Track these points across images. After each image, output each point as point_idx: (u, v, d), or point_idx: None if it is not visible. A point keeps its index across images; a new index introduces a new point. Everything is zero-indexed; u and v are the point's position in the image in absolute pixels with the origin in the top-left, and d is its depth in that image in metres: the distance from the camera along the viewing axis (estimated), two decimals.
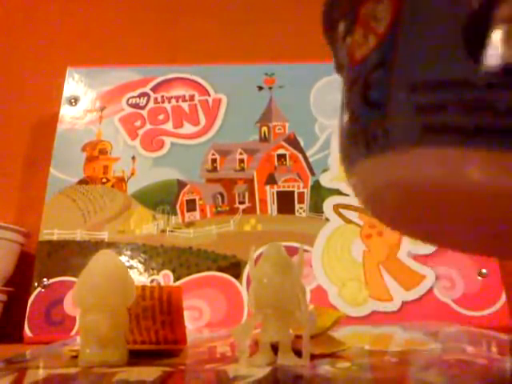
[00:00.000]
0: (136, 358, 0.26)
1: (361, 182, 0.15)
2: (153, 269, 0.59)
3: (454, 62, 0.12)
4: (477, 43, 0.12)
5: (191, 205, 0.64)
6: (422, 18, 0.13)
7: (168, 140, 0.68)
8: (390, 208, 0.16)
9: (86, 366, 0.25)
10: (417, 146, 0.12)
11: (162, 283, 0.58)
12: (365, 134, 0.14)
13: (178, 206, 0.64)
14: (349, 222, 0.62)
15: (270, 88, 0.70)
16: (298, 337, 0.24)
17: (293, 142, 0.67)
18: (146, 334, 0.29)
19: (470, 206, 0.13)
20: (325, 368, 0.23)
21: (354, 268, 0.59)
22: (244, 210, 0.63)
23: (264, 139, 0.67)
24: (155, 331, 0.29)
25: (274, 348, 0.24)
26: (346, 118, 0.15)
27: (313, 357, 0.24)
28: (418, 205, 0.14)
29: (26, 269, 0.62)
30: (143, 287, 0.29)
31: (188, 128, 0.68)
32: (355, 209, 0.62)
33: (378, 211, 0.16)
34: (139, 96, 0.70)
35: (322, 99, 0.69)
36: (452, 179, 0.12)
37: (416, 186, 0.13)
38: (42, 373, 0.26)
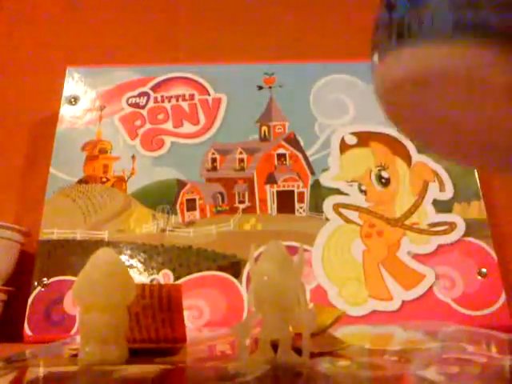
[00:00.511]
0: (136, 356, 0.26)
1: (388, 71, 0.16)
2: (153, 268, 0.59)
3: None
4: None
5: (191, 204, 0.64)
6: None
7: (168, 139, 0.68)
8: (405, 103, 0.16)
9: (85, 363, 0.25)
10: (448, 40, 0.13)
11: (162, 282, 0.58)
12: (401, 25, 0.14)
13: (177, 206, 0.64)
14: (349, 221, 0.62)
15: (270, 87, 0.70)
16: (298, 335, 0.24)
17: (293, 141, 0.67)
18: (146, 332, 0.29)
19: (482, 99, 0.14)
20: (325, 366, 0.23)
21: (354, 267, 0.59)
22: (244, 210, 0.63)
23: (264, 139, 0.67)
24: (155, 329, 0.29)
25: (274, 346, 0.24)
26: (383, 8, 0.16)
27: (313, 355, 0.24)
28: (432, 99, 0.15)
29: (25, 268, 0.62)
30: (143, 286, 0.29)
31: (188, 127, 0.68)
32: (355, 208, 0.62)
33: (392, 105, 0.17)
34: (139, 95, 0.70)
35: (322, 99, 0.69)
36: (476, 72, 0.13)
37: (439, 76, 0.14)
38: (42, 371, 0.26)
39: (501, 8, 0.12)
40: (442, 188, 0.63)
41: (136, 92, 0.70)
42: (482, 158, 0.18)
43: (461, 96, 0.15)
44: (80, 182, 0.65)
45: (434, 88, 0.15)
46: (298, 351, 0.24)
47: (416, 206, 0.62)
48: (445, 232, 0.60)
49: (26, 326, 0.56)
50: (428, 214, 0.61)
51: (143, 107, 0.69)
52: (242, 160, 0.66)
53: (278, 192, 0.64)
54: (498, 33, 0.12)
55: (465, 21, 0.12)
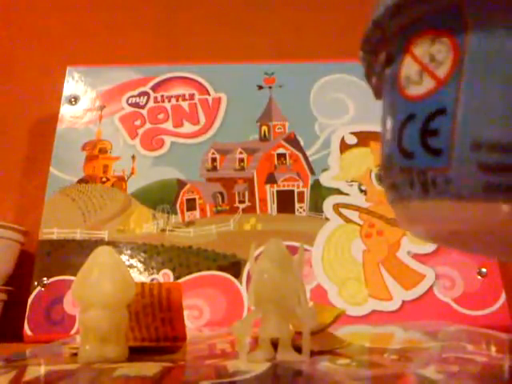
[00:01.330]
0: (136, 354, 0.26)
1: (413, 216, 0.16)
2: (153, 268, 0.59)
3: None
4: None
5: (191, 204, 0.64)
6: (485, 73, 0.13)
7: (168, 139, 0.68)
8: (438, 241, 0.18)
9: (85, 362, 0.25)
10: (478, 200, 0.13)
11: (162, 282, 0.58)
12: (423, 176, 0.14)
13: (177, 206, 0.64)
14: (349, 221, 0.62)
15: (270, 87, 0.70)
16: (298, 333, 0.24)
17: (293, 141, 0.67)
18: (146, 331, 0.29)
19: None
20: (324, 364, 0.23)
21: (354, 267, 0.59)
22: (244, 210, 0.63)
23: (264, 138, 0.67)
24: (155, 328, 0.29)
25: (274, 344, 0.24)
26: (396, 147, 0.16)
27: (312, 353, 0.24)
28: (462, 242, 0.16)
29: (25, 268, 0.62)
30: (143, 284, 0.29)
31: (188, 127, 0.68)
32: (355, 208, 0.62)
33: (424, 238, 0.18)
34: (139, 95, 0.70)
35: (322, 98, 0.69)
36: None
37: (471, 230, 0.15)
38: (41, 369, 0.26)
39: None
40: None
41: (136, 92, 0.70)
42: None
43: (494, 242, 0.15)
44: (80, 181, 0.65)
45: (465, 236, 0.15)
46: (298, 350, 0.24)
47: None
48: None
49: (25, 325, 0.56)
50: None
51: (143, 107, 0.69)
52: (242, 160, 0.66)
53: (277, 192, 0.64)
54: None
55: (496, 183, 0.13)
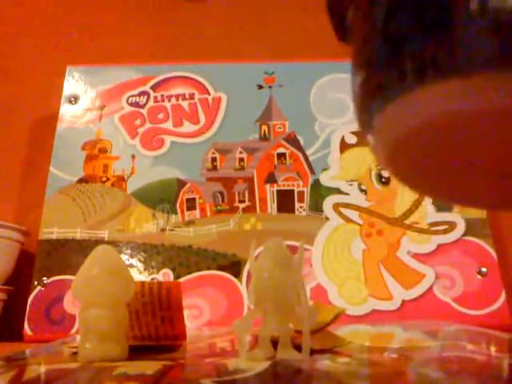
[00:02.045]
0: (136, 353, 0.26)
1: (402, 119, 0.13)
2: (153, 267, 0.59)
3: None
4: None
5: (191, 203, 0.64)
6: None
7: (168, 139, 0.68)
8: (418, 155, 0.14)
9: (86, 360, 0.25)
10: (493, 72, 0.11)
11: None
12: (419, 59, 0.12)
13: (177, 205, 0.64)
14: (349, 220, 0.62)
15: (270, 87, 0.70)
16: (298, 332, 0.24)
17: (293, 140, 0.67)
18: (146, 329, 0.29)
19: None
20: (324, 363, 0.23)
21: (354, 267, 0.59)
22: (244, 209, 0.63)
23: (264, 138, 0.67)
24: (155, 327, 0.29)
25: (274, 343, 0.24)
26: (381, 39, 0.13)
27: (312, 352, 0.24)
28: (449, 148, 0.14)
29: (25, 267, 0.62)
30: (142, 283, 0.29)
31: (188, 127, 0.68)
32: (355, 208, 0.62)
33: (401, 162, 0.15)
34: (139, 95, 0.70)
35: (322, 98, 0.69)
36: None
37: (489, 112, 0.12)
38: (42, 368, 0.26)
39: None
40: None
41: (136, 91, 0.70)
42: (495, 196, 0.16)
43: (502, 131, 0.13)
44: (80, 181, 0.65)
45: (472, 128, 0.13)
46: (298, 348, 0.24)
47: (416, 206, 0.62)
48: (445, 231, 0.60)
49: (25, 325, 0.56)
50: (428, 214, 0.61)
51: (143, 106, 0.69)
52: (241, 159, 0.66)
53: (277, 191, 0.64)
54: None
55: None
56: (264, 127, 0.68)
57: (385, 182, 0.63)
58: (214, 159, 0.66)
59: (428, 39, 0.12)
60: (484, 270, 0.58)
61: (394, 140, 0.14)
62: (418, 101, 0.13)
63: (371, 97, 0.14)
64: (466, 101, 0.12)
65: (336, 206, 0.62)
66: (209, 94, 0.70)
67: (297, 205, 0.63)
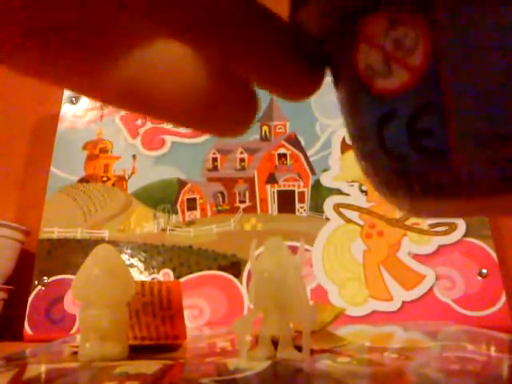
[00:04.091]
0: (136, 352, 0.26)
1: (413, 211, 0.15)
2: (153, 267, 0.59)
3: None
4: None
5: (192, 204, 0.64)
6: (469, 53, 0.11)
7: (169, 139, 0.68)
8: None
9: (86, 360, 0.25)
10: (494, 195, 0.12)
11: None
12: (423, 179, 0.13)
13: (178, 205, 0.64)
14: (349, 221, 0.62)
15: None
16: (298, 332, 0.24)
17: (293, 141, 0.67)
18: (146, 329, 0.29)
19: None
20: (325, 363, 0.23)
21: (354, 268, 0.59)
22: (244, 209, 0.63)
23: (265, 138, 0.67)
24: (155, 327, 0.29)
25: (274, 343, 0.24)
26: (379, 148, 0.13)
27: (313, 352, 0.24)
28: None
29: (26, 267, 0.62)
30: (143, 283, 0.29)
31: None
32: (356, 208, 0.62)
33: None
34: None
35: (323, 99, 0.69)
36: None
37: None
38: (42, 368, 0.26)
39: None
40: None
41: None
42: None
43: None
44: (81, 181, 0.65)
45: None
46: (299, 348, 0.24)
47: None
48: (445, 232, 0.60)
49: (26, 324, 0.56)
50: None
51: None
52: (242, 160, 0.66)
53: (278, 192, 0.64)
54: None
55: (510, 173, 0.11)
56: (265, 128, 0.68)
57: None
58: (214, 159, 0.66)
59: (430, 165, 0.12)
60: (484, 271, 0.58)
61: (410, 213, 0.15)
62: (427, 206, 0.14)
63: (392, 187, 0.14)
64: (468, 214, 0.14)
65: (336, 207, 0.62)
66: None
67: (297, 205, 0.63)
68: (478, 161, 0.11)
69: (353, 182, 0.63)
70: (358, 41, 0.13)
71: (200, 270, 0.59)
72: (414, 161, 0.13)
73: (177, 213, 0.63)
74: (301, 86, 0.16)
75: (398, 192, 0.14)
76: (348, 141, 0.66)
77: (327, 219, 0.62)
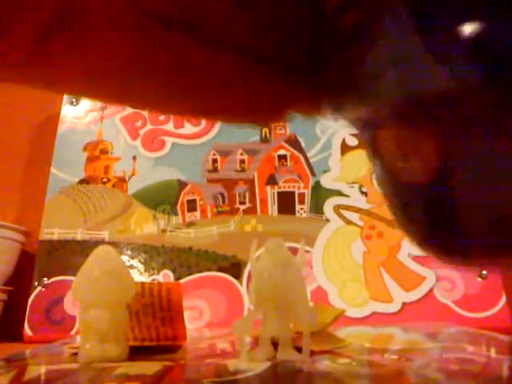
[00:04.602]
0: (136, 354, 0.26)
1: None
2: (153, 269, 0.59)
3: None
4: None
5: (192, 205, 0.64)
6: (476, 158, 0.12)
7: (169, 140, 0.68)
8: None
9: (86, 361, 0.25)
10: (496, 259, 0.14)
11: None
12: (443, 247, 0.15)
13: (178, 206, 0.64)
14: (349, 223, 0.62)
15: None
16: (298, 333, 0.24)
17: (294, 142, 0.67)
18: (146, 331, 0.29)
19: None
20: (325, 364, 0.23)
21: (355, 269, 0.59)
22: (244, 211, 0.63)
23: (265, 140, 0.67)
24: (155, 328, 0.29)
25: (274, 344, 0.24)
26: (413, 223, 0.16)
27: (313, 353, 0.24)
28: None
29: (26, 268, 0.62)
30: (142, 284, 0.29)
31: (189, 128, 0.68)
32: (356, 210, 0.62)
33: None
34: None
35: None
36: None
37: None
38: (42, 369, 0.26)
39: None
40: None
41: None
42: None
43: None
44: (81, 182, 0.65)
45: None
46: (299, 349, 0.24)
47: None
48: None
49: (26, 325, 0.56)
50: None
51: None
52: (242, 161, 0.66)
53: (278, 193, 0.64)
54: None
55: None
56: (265, 129, 0.68)
57: None
58: (214, 161, 0.66)
59: (447, 238, 0.15)
60: (484, 272, 0.58)
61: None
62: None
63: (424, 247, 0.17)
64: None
65: (337, 208, 0.62)
66: None
67: (297, 206, 0.63)
68: (489, 241, 0.13)
69: (353, 183, 0.63)
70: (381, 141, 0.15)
71: (200, 272, 0.59)
72: (435, 236, 0.15)
73: (177, 214, 0.63)
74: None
75: (428, 248, 0.16)
76: (348, 142, 0.66)
77: (327, 220, 0.62)
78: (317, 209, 0.63)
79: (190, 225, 0.63)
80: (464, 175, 0.13)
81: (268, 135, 0.67)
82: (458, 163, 0.13)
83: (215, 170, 0.66)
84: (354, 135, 0.66)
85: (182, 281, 0.58)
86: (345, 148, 0.66)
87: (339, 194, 0.63)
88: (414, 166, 0.14)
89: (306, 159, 0.66)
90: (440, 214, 0.14)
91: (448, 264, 0.17)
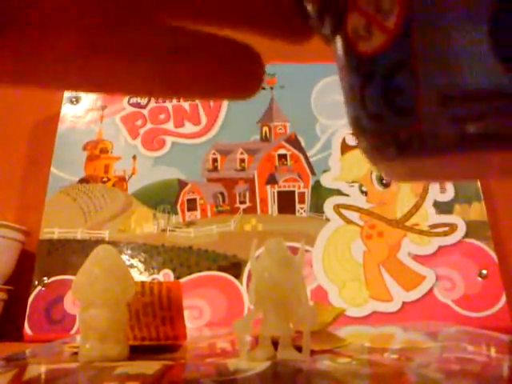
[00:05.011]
0: (136, 353, 0.26)
1: (389, 173, 0.16)
2: (153, 268, 0.59)
3: (485, 71, 0.12)
4: (507, 47, 0.11)
5: (192, 204, 0.64)
6: (439, 17, 0.12)
7: (169, 139, 0.68)
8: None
9: (86, 360, 0.25)
10: (455, 152, 0.13)
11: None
12: (396, 137, 0.14)
13: (178, 206, 0.64)
14: (349, 222, 0.62)
15: (272, 88, 0.70)
16: (299, 333, 0.24)
17: (294, 142, 0.67)
18: (146, 330, 0.29)
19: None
20: (325, 363, 0.23)
21: (355, 268, 0.59)
22: (245, 210, 0.63)
23: (265, 139, 0.67)
24: (155, 327, 0.29)
25: (275, 343, 0.24)
26: (361, 110, 0.15)
27: (313, 352, 0.24)
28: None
29: (26, 267, 0.62)
30: (143, 283, 0.29)
31: (189, 127, 0.68)
32: (356, 209, 0.62)
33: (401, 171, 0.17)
34: None
35: (323, 99, 0.69)
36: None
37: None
38: (42, 368, 0.26)
39: (507, 117, 0.12)
40: (442, 189, 0.63)
41: None
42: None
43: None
44: (81, 181, 0.65)
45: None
46: (299, 349, 0.24)
47: (417, 207, 0.62)
48: (445, 233, 0.60)
49: (26, 325, 0.56)
50: (429, 215, 0.61)
51: (144, 107, 0.69)
52: (242, 160, 0.66)
53: (278, 192, 0.64)
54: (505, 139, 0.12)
55: (473, 134, 0.12)
56: (265, 128, 0.68)
57: (385, 184, 0.63)
58: (214, 160, 0.66)
59: (401, 123, 0.13)
60: (484, 272, 0.58)
61: (387, 176, 0.16)
62: (405, 167, 0.15)
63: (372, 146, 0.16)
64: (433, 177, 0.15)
65: (337, 208, 0.62)
66: None
67: (297, 206, 0.63)
68: (441, 118, 0.12)
69: (353, 182, 0.63)
70: (350, 11, 0.14)
71: (200, 271, 0.59)
72: (388, 120, 0.14)
73: (177, 213, 0.63)
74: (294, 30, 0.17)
75: (378, 153, 0.15)
76: (348, 142, 0.66)
77: (327, 220, 0.62)
78: (317, 208, 0.63)
79: (190, 224, 0.63)
80: (424, 30, 0.12)
81: (268, 134, 0.67)
82: (419, 18, 0.12)
83: (215, 169, 0.66)
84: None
85: (182, 280, 0.58)
86: (345, 147, 0.66)
87: (339, 193, 0.63)
88: (378, 30, 0.13)
89: (306, 158, 0.66)
90: (398, 84, 0.13)
91: (405, 175, 0.16)
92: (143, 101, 0.70)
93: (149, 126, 0.68)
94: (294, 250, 0.25)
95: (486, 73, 0.12)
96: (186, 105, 0.69)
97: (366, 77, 0.14)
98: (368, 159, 0.16)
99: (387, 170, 0.16)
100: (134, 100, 0.70)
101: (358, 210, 0.62)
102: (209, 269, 0.59)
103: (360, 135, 0.15)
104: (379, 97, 0.14)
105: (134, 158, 0.67)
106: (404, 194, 0.62)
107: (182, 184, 0.65)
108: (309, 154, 0.66)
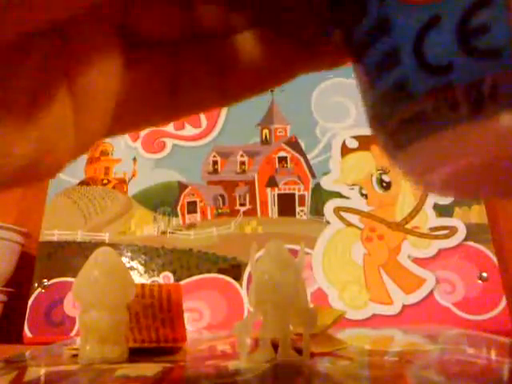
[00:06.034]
0: (136, 355, 0.26)
1: (407, 163, 0.13)
2: (153, 270, 0.59)
3: None
4: None
5: (192, 207, 0.64)
6: None
7: (169, 142, 0.68)
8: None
9: (86, 362, 0.25)
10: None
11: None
12: (474, 91, 0.11)
13: (178, 208, 0.64)
14: (349, 225, 0.62)
15: (272, 91, 0.70)
16: (298, 335, 0.24)
17: (294, 144, 0.67)
18: (146, 332, 0.29)
19: None
20: (325, 365, 0.23)
21: (355, 271, 0.59)
22: (245, 212, 0.63)
23: (265, 142, 0.67)
24: (155, 329, 0.29)
25: (275, 345, 0.24)
26: (415, 66, 0.12)
27: (313, 355, 0.24)
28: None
29: (26, 269, 0.62)
30: (143, 286, 0.29)
31: (189, 130, 0.68)
32: (356, 212, 0.62)
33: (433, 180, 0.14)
34: None
35: (324, 102, 0.69)
36: None
37: None
38: (42, 370, 0.26)
39: None
40: None
41: None
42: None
43: None
44: (81, 183, 0.65)
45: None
46: (299, 351, 0.24)
47: (417, 210, 0.62)
48: (445, 236, 0.60)
49: (25, 327, 0.56)
50: (429, 218, 0.61)
51: None
52: (243, 163, 0.66)
53: (278, 195, 0.64)
54: None
55: None
56: (265, 131, 0.68)
57: (386, 187, 0.63)
58: (215, 162, 0.66)
59: (484, 69, 0.11)
60: (485, 274, 0.58)
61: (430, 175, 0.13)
62: (473, 135, 0.11)
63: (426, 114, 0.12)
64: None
65: (337, 210, 0.62)
66: None
67: (298, 208, 0.63)
68: None
69: (353, 185, 0.63)
70: None
71: (200, 273, 0.59)
72: (461, 67, 0.11)
73: (177, 216, 0.63)
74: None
75: (431, 122, 0.12)
76: (348, 144, 0.66)
77: (327, 222, 0.62)
78: (317, 211, 0.63)
79: (190, 226, 0.63)
80: None
81: (268, 137, 0.67)
82: None
83: (215, 171, 0.66)
84: (354, 137, 0.66)
85: (182, 282, 0.58)
86: (345, 150, 0.66)
87: (339, 196, 0.63)
88: None
89: (307, 161, 0.66)
90: (481, 21, 0.11)
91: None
92: None
93: (149, 128, 0.68)
94: (294, 253, 0.25)
95: None
96: None
97: (428, 23, 0.12)
98: (391, 146, 0.13)
99: (405, 160, 0.13)
100: None
101: (358, 212, 0.62)
102: (209, 271, 0.59)
103: (400, 105, 0.12)
104: (450, 41, 0.11)
105: (135, 160, 0.67)
106: (404, 196, 0.62)
107: (182, 186, 0.65)
108: (309, 157, 0.66)
